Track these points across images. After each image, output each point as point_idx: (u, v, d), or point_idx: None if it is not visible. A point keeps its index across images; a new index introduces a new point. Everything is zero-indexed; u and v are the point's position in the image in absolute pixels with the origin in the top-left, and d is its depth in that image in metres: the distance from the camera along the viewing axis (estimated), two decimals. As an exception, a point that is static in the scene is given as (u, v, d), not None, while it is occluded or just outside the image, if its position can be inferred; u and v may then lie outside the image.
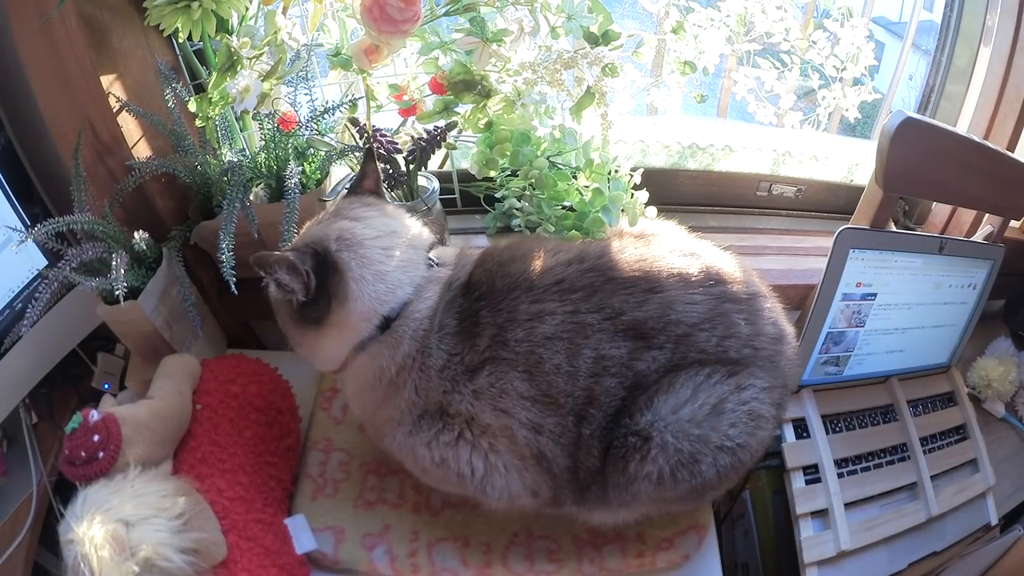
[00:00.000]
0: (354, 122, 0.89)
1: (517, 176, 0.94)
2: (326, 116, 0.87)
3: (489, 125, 0.90)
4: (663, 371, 0.63)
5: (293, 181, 0.77)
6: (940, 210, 1.15)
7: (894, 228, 1.07)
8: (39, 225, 0.71)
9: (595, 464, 0.65)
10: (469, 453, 0.67)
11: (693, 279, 0.66)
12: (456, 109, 0.88)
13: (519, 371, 0.63)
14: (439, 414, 0.67)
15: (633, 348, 0.63)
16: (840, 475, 0.91)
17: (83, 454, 0.62)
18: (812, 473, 0.91)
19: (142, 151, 0.85)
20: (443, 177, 1.05)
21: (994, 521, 0.99)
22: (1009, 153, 0.97)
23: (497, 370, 0.64)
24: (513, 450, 0.66)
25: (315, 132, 0.88)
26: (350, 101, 0.87)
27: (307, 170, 0.89)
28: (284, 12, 0.81)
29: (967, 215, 1.09)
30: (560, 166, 0.92)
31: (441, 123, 0.88)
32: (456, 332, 0.66)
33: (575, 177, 0.92)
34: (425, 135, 0.88)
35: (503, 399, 0.64)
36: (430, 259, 0.70)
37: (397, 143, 0.88)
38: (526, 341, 0.63)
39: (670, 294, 0.64)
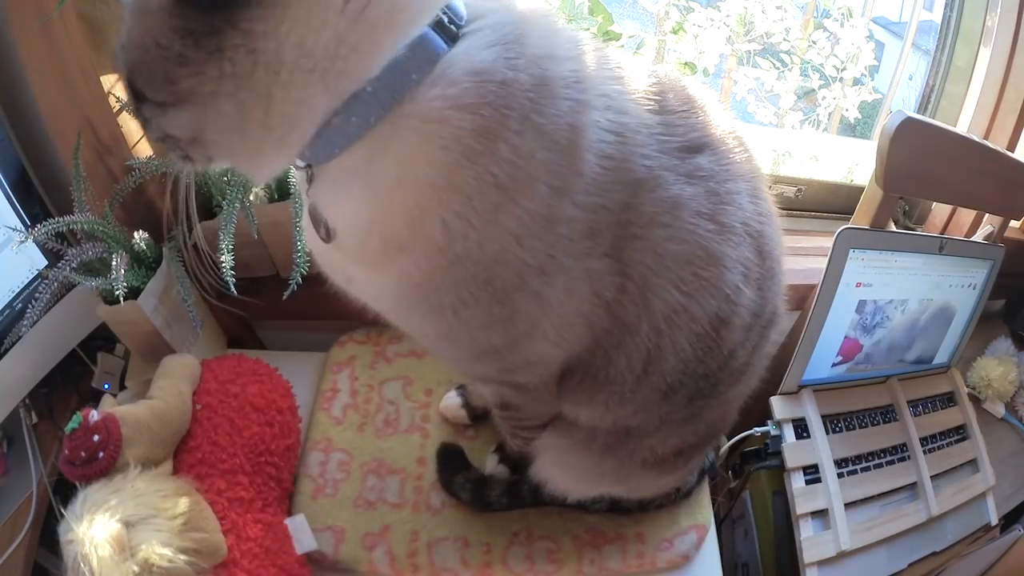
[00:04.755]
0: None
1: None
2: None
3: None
4: None
5: (294, 181, 0.77)
6: (940, 210, 1.16)
7: (894, 228, 1.07)
8: (39, 225, 0.71)
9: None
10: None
11: None
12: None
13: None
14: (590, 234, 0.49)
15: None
16: (840, 475, 0.91)
17: (83, 454, 0.63)
18: (812, 473, 0.91)
19: (142, 151, 0.85)
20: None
21: (994, 521, 0.99)
22: (1009, 153, 0.97)
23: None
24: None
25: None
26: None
27: (307, 170, 0.89)
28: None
29: (967, 215, 1.09)
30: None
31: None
32: None
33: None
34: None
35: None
36: None
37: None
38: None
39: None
